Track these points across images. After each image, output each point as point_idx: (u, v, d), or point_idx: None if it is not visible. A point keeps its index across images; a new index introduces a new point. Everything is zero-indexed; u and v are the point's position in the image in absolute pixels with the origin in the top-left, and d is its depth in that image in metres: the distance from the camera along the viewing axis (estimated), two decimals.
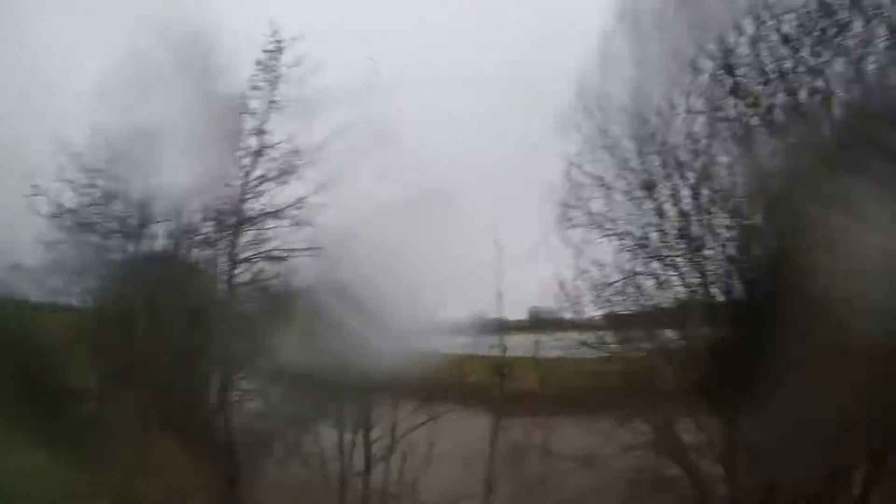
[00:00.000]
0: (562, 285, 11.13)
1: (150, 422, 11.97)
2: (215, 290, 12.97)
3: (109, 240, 12.33)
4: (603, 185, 10.65)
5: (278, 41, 12.08)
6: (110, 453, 10.74)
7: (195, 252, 12.89)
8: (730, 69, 9.84)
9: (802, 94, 9.28)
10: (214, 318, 13.08)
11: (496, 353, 12.06)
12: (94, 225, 12.17)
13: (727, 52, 9.87)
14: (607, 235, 10.94)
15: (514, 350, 13.17)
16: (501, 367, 11.93)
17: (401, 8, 13.76)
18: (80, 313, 12.80)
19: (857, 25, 8.96)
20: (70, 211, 11.97)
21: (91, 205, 12.09)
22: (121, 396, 12.21)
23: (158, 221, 12.49)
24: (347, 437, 11.72)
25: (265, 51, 12.14)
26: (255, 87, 12.15)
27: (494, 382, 12.24)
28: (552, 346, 13.16)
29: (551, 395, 13.22)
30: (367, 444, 11.63)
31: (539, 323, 14.30)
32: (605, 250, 10.99)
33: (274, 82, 12.19)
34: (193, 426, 12.28)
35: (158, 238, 12.58)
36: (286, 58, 12.09)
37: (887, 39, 8.77)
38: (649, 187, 10.47)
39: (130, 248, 12.50)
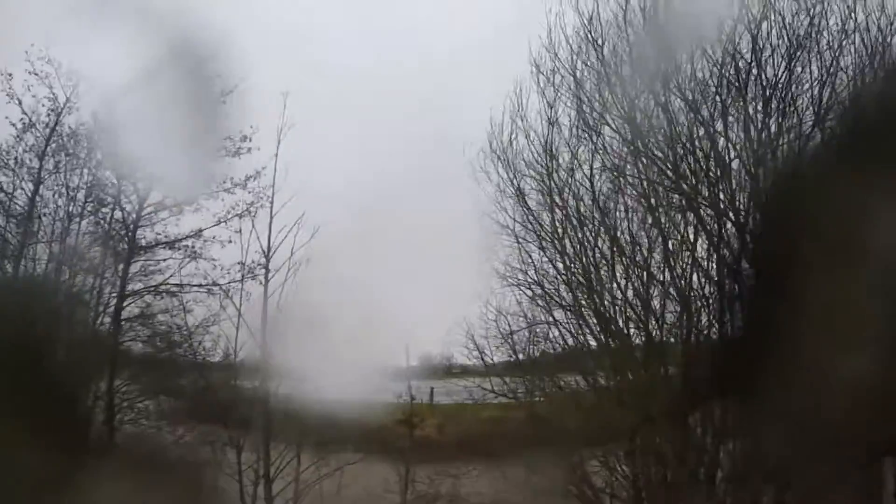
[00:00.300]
0: (468, 332, 11.03)
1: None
2: (97, 321, 12.11)
3: None
4: (511, 233, 10.73)
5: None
6: None
7: (79, 279, 12.00)
8: (636, 132, 10.20)
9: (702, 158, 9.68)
10: (94, 351, 12.22)
11: (403, 400, 11.67)
12: None
13: (632, 115, 10.26)
14: (513, 284, 11.00)
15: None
16: (410, 415, 11.57)
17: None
18: None
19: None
20: None
21: None
22: None
23: (41, 242, 11.58)
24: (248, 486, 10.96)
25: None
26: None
27: (400, 430, 11.89)
28: (445, 392, 13.12)
29: (452, 441, 13.05)
30: (269, 497, 10.88)
31: (434, 370, 14.20)
32: (511, 298, 11.05)
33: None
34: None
35: (39, 260, 11.61)
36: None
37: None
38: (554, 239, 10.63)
39: (7, 268, 11.51)
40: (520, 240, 10.82)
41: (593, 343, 10.59)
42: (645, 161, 10.11)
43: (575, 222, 10.53)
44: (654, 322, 10.33)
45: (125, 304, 11.69)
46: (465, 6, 13.91)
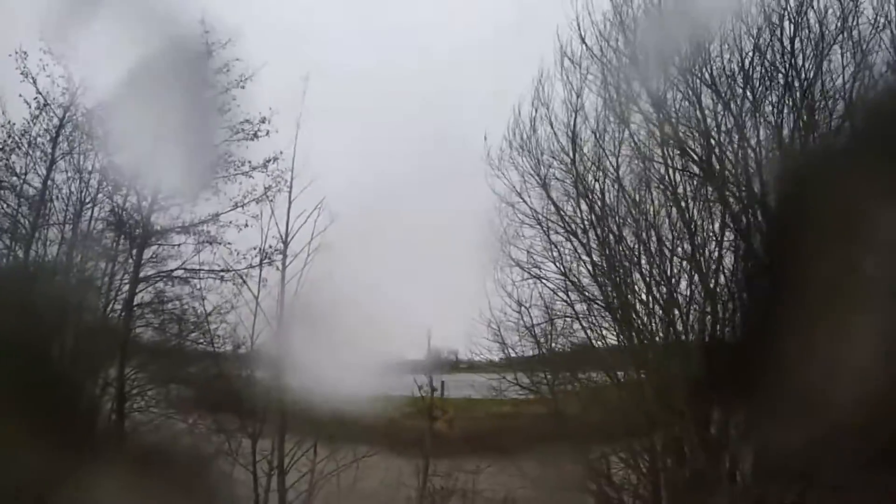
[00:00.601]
0: (489, 325, 10.84)
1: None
2: (109, 308, 11.88)
3: None
4: (537, 223, 10.54)
5: (208, 43, 11.45)
6: None
7: (91, 264, 11.75)
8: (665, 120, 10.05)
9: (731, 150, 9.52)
10: (105, 338, 12.00)
11: (424, 392, 11.45)
12: None
13: (659, 104, 10.10)
14: (535, 277, 10.82)
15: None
16: (431, 409, 11.36)
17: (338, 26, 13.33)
18: None
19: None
20: None
21: None
22: None
23: (54, 224, 11.34)
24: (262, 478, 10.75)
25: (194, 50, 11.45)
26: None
27: (412, 424, 11.70)
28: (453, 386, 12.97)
29: (461, 435, 12.87)
30: (283, 489, 10.65)
31: (440, 364, 13.96)
32: (533, 291, 10.88)
33: (197, 86, 11.49)
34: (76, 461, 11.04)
35: (51, 243, 11.36)
36: (214, 62, 11.51)
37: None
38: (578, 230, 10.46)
39: (18, 252, 11.27)
40: (543, 231, 10.63)
41: (616, 337, 10.46)
42: (673, 151, 9.96)
43: (600, 213, 10.37)
44: (678, 317, 10.19)
45: (138, 289, 11.44)
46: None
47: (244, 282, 11.39)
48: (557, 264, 10.56)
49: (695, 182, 9.97)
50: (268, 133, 11.53)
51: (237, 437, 10.99)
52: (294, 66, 11.70)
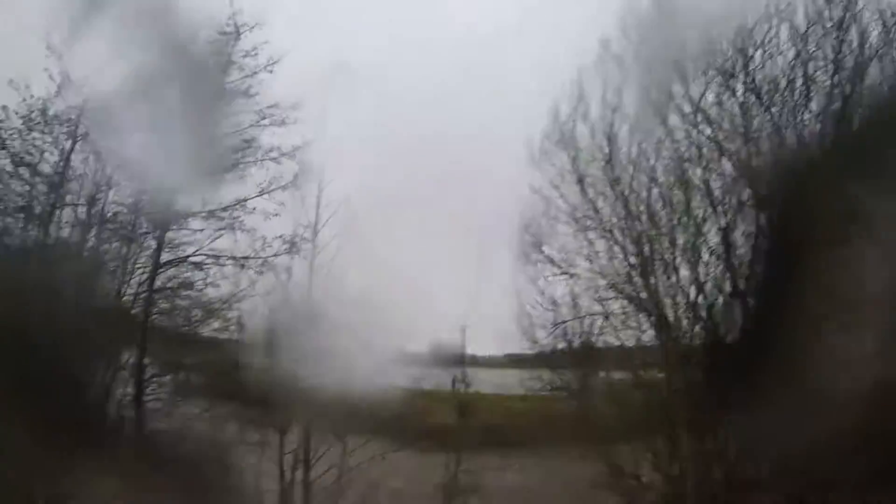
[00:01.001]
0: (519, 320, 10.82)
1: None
2: (124, 292, 11.50)
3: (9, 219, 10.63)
4: (573, 220, 10.54)
5: (237, 24, 11.13)
6: None
7: (108, 246, 11.36)
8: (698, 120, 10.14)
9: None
10: (120, 323, 11.63)
11: (457, 388, 11.34)
12: None
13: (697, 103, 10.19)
14: (567, 273, 10.83)
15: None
16: (464, 404, 11.27)
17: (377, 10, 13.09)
18: None
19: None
20: None
21: None
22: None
23: (71, 205, 10.93)
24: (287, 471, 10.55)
25: (220, 33, 11.15)
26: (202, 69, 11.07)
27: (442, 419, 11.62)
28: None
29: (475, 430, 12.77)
30: (307, 482, 10.46)
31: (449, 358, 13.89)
32: (563, 287, 10.88)
33: (225, 68, 11.20)
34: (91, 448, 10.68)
35: (68, 224, 10.92)
36: (243, 44, 11.19)
37: None
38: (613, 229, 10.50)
39: (33, 232, 10.83)
40: (580, 228, 10.63)
41: (649, 337, 10.53)
42: (712, 153, 10.06)
43: (636, 211, 10.43)
44: (708, 318, 10.29)
45: (158, 272, 11.09)
46: None
47: (270, 269, 11.12)
48: (592, 261, 10.54)
49: (732, 184, 10.08)
50: (296, 121, 11.26)
51: (263, 429, 10.75)
52: (322, 53, 11.38)
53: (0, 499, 9.65)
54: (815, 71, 9.61)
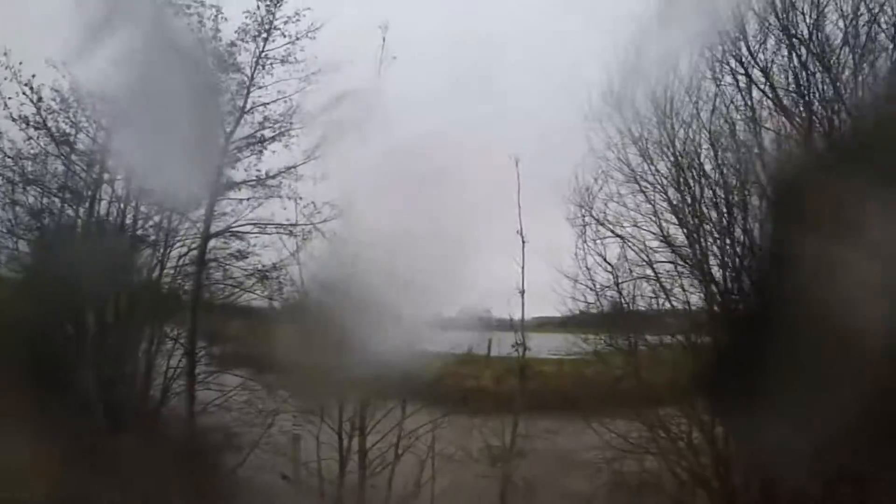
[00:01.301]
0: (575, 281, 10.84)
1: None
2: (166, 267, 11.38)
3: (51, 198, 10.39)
4: (633, 180, 10.46)
5: None
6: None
7: (149, 223, 11.21)
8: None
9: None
10: (164, 298, 11.56)
11: (516, 351, 11.41)
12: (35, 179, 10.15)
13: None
14: (618, 235, 10.83)
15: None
16: (523, 367, 11.37)
17: None
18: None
19: None
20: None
21: (35, 155, 10.02)
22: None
23: (110, 182, 10.66)
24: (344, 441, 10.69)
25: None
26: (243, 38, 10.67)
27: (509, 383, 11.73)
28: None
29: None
30: (363, 450, 10.65)
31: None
32: (613, 249, 10.90)
33: (266, 35, 10.79)
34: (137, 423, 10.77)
35: (108, 202, 10.81)
36: (284, 10, 10.80)
37: None
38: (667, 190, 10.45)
39: (74, 210, 10.58)
40: (640, 188, 10.57)
41: (693, 302, 10.62)
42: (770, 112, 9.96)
43: (689, 176, 10.38)
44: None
45: (208, 244, 10.98)
46: None
47: (313, 236, 11.02)
48: (652, 220, 10.52)
49: (791, 145, 10.01)
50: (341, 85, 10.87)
51: (317, 398, 10.85)
52: (366, 19, 10.95)
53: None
54: (877, 34, 9.44)
